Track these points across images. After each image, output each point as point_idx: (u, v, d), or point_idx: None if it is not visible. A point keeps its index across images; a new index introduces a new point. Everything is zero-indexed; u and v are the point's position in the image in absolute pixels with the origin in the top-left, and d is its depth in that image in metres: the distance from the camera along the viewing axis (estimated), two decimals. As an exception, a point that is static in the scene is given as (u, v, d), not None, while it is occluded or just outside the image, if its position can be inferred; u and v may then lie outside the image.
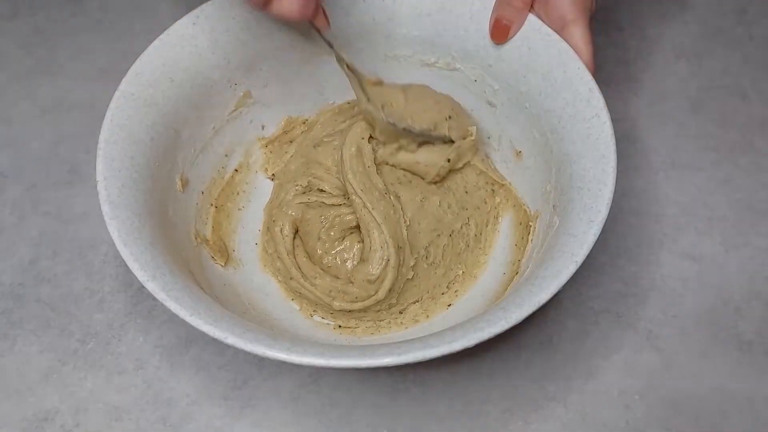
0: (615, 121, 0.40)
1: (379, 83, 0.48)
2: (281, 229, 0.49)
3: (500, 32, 0.44)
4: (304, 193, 0.50)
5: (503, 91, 0.47)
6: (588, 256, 0.36)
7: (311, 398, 0.45)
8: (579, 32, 0.42)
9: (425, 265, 0.47)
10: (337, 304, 0.46)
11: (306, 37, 0.49)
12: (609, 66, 0.59)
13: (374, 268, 0.45)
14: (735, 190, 0.52)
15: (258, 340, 0.34)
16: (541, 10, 0.44)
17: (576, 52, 0.42)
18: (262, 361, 0.46)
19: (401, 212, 0.47)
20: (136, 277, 0.36)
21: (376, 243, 0.45)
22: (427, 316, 0.47)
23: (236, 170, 0.51)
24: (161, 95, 0.43)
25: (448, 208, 0.49)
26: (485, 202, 0.50)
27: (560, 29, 0.43)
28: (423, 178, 0.49)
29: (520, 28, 0.44)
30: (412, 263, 0.46)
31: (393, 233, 0.45)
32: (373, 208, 0.46)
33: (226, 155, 0.50)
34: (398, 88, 0.48)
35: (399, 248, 0.46)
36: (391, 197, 0.47)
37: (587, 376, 0.45)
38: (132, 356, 0.46)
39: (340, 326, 0.47)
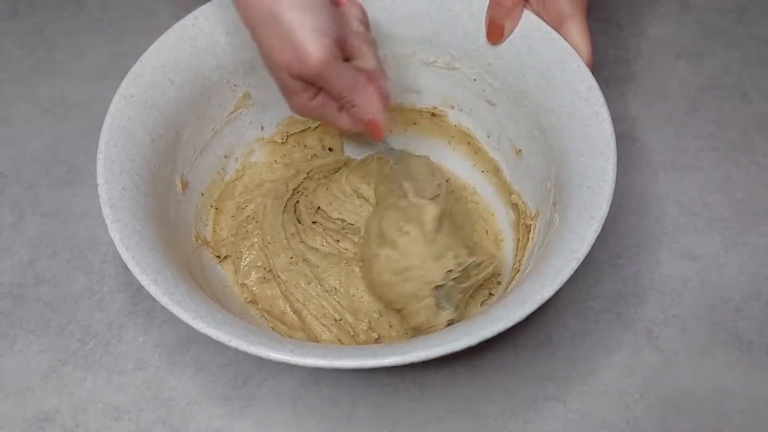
0: (615, 120, 0.40)
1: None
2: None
3: (495, 32, 0.44)
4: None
5: (502, 90, 0.47)
6: (588, 255, 0.36)
7: (311, 398, 0.45)
8: (577, 28, 0.42)
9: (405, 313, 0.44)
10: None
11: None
12: (609, 65, 0.59)
13: None
14: (735, 190, 0.52)
15: (261, 343, 0.34)
16: (539, 7, 0.44)
17: (574, 47, 0.42)
18: (262, 361, 0.46)
19: (316, 280, 0.44)
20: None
21: (321, 335, 0.43)
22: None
23: (236, 171, 0.51)
24: (161, 97, 0.43)
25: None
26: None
27: (558, 25, 0.43)
28: None
29: (514, 27, 0.44)
30: (365, 326, 0.43)
31: (319, 309, 0.43)
32: (285, 280, 0.44)
33: (226, 156, 0.50)
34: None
35: (336, 320, 0.43)
36: (300, 262, 0.44)
37: (587, 376, 0.45)
38: (132, 356, 0.46)
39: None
